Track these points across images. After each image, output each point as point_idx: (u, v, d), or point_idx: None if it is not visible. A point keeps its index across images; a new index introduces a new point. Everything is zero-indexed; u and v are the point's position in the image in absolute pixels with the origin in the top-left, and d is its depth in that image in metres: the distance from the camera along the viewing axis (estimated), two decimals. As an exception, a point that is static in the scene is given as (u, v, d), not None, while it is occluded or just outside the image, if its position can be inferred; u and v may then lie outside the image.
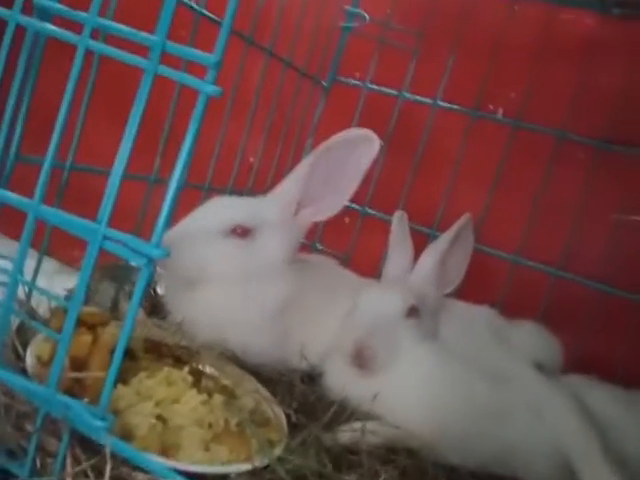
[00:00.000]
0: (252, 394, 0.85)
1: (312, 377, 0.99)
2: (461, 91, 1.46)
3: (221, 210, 1.05)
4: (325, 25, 1.48)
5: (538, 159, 1.40)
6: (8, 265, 0.69)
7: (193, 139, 0.59)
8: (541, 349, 1.14)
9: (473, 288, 1.14)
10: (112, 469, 0.62)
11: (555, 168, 1.38)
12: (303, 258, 1.17)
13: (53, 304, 0.88)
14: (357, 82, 1.57)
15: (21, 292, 0.86)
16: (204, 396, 0.76)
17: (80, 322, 0.83)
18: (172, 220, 1.04)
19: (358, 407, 0.91)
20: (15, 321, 0.82)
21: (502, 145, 1.41)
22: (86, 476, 0.65)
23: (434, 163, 1.49)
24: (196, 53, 0.59)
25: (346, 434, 0.84)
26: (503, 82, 1.45)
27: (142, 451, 0.64)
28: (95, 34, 0.65)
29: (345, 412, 0.88)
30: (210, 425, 0.74)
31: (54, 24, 0.66)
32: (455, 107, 1.46)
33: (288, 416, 0.84)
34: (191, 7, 1.01)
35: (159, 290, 1.14)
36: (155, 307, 1.09)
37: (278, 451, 0.74)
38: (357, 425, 0.84)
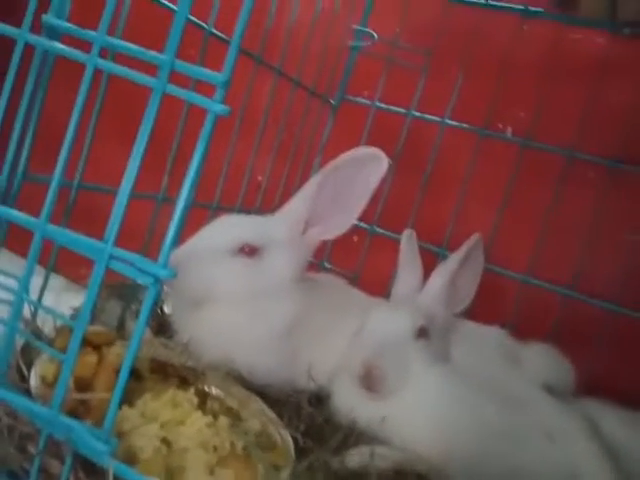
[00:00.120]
0: (258, 416, 0.83)
1: (320, 398, 0.98)
2: (470, 110, 1.46)
3: (228, 229, 1.05)
4: (334, 44, 1.48)
5: (548, 178, 1.39)
6: (14, 284, 0.68)
7: (201, 158, 0.58)
8: (552, 371, 1.12)
9: (483, 308, 1.13)
10: (115, 493, 0.61)
11: (565, 187, 1.37)
12: (311, 277, 1.16)
13: (59, 322, 0.87)
14: (365, 101, 1.56)
15: (27, 310, 0.86)
16: (209, 418, 0.75)
17: (85, 341, 0.83)
18: (179, 239, 1.03)
19: (366, 429, 0.89)
20: (20, 340, 0.81)
21: (511, 164, 1.40)
22: (89, 500, 0.64)
23: (443, 182, 1.48)
24: (205, 72, 0.59)
25: (354, 458, 0.82)
26: (512, 101, 1.44)
27: (146, 475, 0.63)
28: (104, 53, 0.65)
29: (353, 435, 0.87)
30: (215, 448, 0.72)
31: (63, 43, 0.66)
32: (464, 126, 1.46)
33: (295, 439, 0.82)
34: (200, 26, 1.01)
35: (166, 309, 1.13)
36: (162, 326, 1.08)
37: (284, 476, 0.72)
38: (366, 449, 0.83)
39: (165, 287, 1.02)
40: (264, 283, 1.02)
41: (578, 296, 1.31)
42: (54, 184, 0.64)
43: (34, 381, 0.74)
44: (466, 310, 1.12)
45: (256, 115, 1.29)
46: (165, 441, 0.71)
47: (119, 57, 0.68)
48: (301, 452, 0.81)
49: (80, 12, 0.77)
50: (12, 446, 0.69)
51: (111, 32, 0.65)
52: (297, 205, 1.08)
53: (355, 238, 1.52)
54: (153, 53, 0.60)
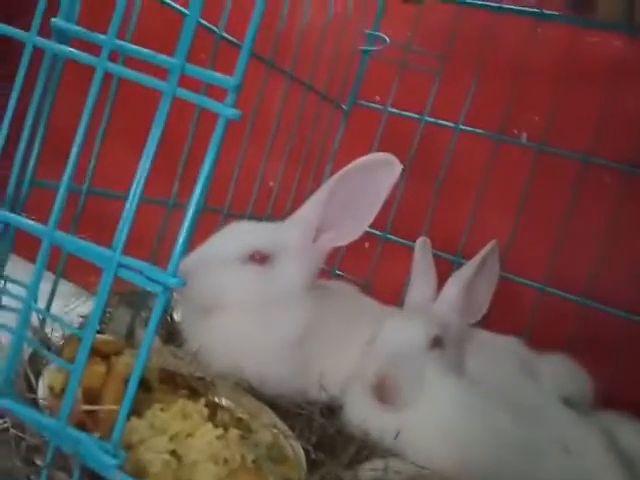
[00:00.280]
0: (269, 428, 0.82)
1: (332, 409, 0.96)
2: (484, 115, 1.43)
3: (239, 236, 1.03)
4: (346, 49, 1.46)
5: (563, 184, 1.37)
6: (22, 291, 0.67)
7: (212, 163, 0.57)
8: (569, 382, 1.10)
9: (498, 317, 1.11)
10: (124, 508, 0.59)
11: (581, 193, 1.34)
12: (323, 284, 1.14)
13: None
14: (378, 106, 1.55)
15: (35, 318, 0.85)
16: (220, 430, 0.73)
17: (94, 351, 0.82)
18: (190, 246, 1.02)
19: (380, 442, 0.87)
20: (28, 349, 0.80)
21: (527, 170, 1.38)
22: (96, 514, 0.62)
23: (457, 188, 1.46)
24: (216, 76, 0.57)
25: (368, 473, 0.80)
26: (527, 105, 1.42)
27: (155, 490, 0.62)
28: (114, 56, 0.64)
29: (366, 448, 0.85)
30: (226, 461, 0.71)
31: (72, 46, 0.65)
32: (478, 131, 1.44)
33: (307, 452, 0.80)
34: (211, 30, 1.00)
35: (176, 317, 1.11)
36: (171, 334, 1.07)
37: (296, 490, 0.71)
38: (379, 463, 0.81)
39: (175, 295, 1.00)
40: (275, 291, 1.01)
41: (595, 305, 1.28)
42: (62, 190, 0.63)
43: (42, 391, 0.73)
44: (481, 319, 1.10)
45: (268, 120, 1.28)
46: (174, 454, 0.69)
47: (129, 61, 0.67)
48: (313, 465, 0.79)
49: (89, 15, 0.76)
50: (19, 458, 0.67)
51: (121, 35, 0.64)
52: (308, 211, 1.07)
53: (367, 245, 1.50)
54: (163, 57, 0.59)
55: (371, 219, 1.05)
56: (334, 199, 1.04)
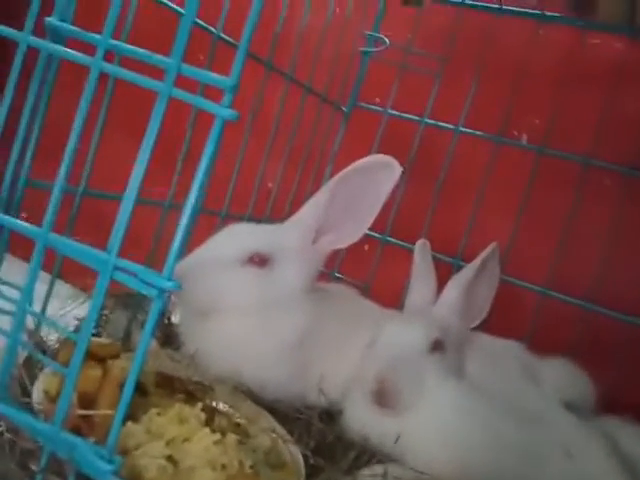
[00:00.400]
0: (268, 433, 0.81)
1: (331, 414, 0.95)
2: (484, 117, 1.43)
3: (237, 238, 1.02)
4: (345, 50, 1.46)
5: (564, 186, 1.36)
6: (17, 294, 0.66)
7: (209, 164, 0.56)
8: (570, 386, 1.09)
9: (499, 321, 1.09)
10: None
11: (581, 195, 1.33)
12: (322, 287, 1.13)
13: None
14: (378, 108, 1.54)
15: (31, 320, 0.84)
16: (217, 435, 0.72)
17: (90, 354, 0.80)
18: (187, 248, 1.01)
19: (379, 447, 0.86)
20: (23, 352, 0.79)
21: (527, 172, 1.37)
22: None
23: (457, 190, 1.45)
24: (212, 76, 0.56)
25: (367, 479, 0.79)
26: (527, 108, 1.41)
27: (150, 496, 0.61)
28: (110, 57, 0.63)
29: (365, 453, 0.84)
30: (223, 466, 0.70)
31: (69, 46, 0.64)
32: (478, 133, 1.43)
33: (305, 457, 0.79)
34: (208, 30, 0.99)
35: (174, 319, 1.10)
36: (169, 337, 1.06)
37: (295, 495, 0.70)
38: (379, 469, 0.80)
39: (173, 297, 0.99)
40: (274, 294, 1.00)
41: (597, 308, 1.27)
42: (56, 192, 0.62)
43: (36, 395, 0.72)
44: (482, 323, 1.08)
45: (267, 122, 1.27)
46: (171, 459, 0.68)
47: (126, 61, 0.66)
48: (312, 470, 0.78)
49: (85, 15, 0.75)
50: (13, 463, 0.66)
51: (117, 35, 0.63)
52: (308, 213, 1.06)
53: (367, 247, 1.49)
54: (159, 56, 0.58)
55: (371, 221, 1.04)
56: (334, 201, 1.03)
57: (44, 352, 0.84)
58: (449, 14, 1.45)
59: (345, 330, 1.06)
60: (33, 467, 0.66)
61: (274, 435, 0.81)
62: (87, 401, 0.71)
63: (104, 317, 0.98)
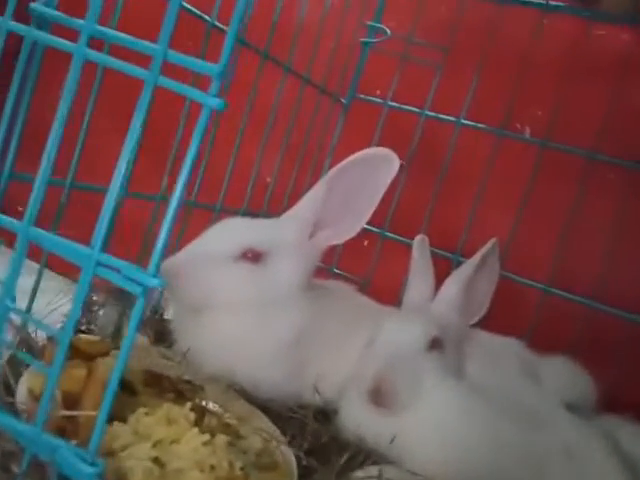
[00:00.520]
0: (260, 434, 0.78)
1: (326, 414, 0.93)
2: (486, 109, 1.40)
3: (231, 233, 0.99)
4: (345, 40, 1.43)
5: (567, 180, 1.34)
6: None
7: (194, 155, 0.53)
8: (572, 386, 1.07)
9: (499, 318, 1.07)
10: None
11: (585, 189, 1.31)
12: (319, 284, 1.11)
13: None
14: (378, 100, 1.51)
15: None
16: (206, 436, 0.70)
17: (78, 352, 0.78)
18: (181, 243, 0.99)
19: (375, 448, 0.84)
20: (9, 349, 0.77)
21: (529, 166, 1.35)
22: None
23: (458, 184, 1.43)
24: (199, 63, 0.54)
25: (360, 481, 0.77)
26: (531, 100, 1.39)
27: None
28: (100, 44, 0.61)
29: (360, 454, 0.81)
30: (212, 468, 0.68)
31: (54, 33, 0.62)
32: (480, 126, 1.41)
33: (298, 458, 0.77)
34: (202, 18, 0.96)
35: (167, 316, 1.08)
36: (161, 334, 1.03)
37: (286, 499, 0.67)
38: (373, 470, 0.77)
39: (165, 293, 0.97)
40: (269, 290, 0.97)
41: (599, 306, 1.25)
42: (38, 184, 0.59)
43: (21, 395, 0.70)
44: (481, 320, 1.06)
45: (264, 114, 1.24)
46: (157, 461, 0.66)
47: (116, 50, 0.64)
48: (304, 472, 0.76)
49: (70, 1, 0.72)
50: (-6, 464, 0.64)
51: (106, 23, 0.61)
52: (305, 207, 1.03)
53: (366, 242, 1.47)
54: (145, 43, 0.56)
55: (368, 215, 1.02)
56: (331, 194, 1.01)
57: (30, 349, 0.82)
58: (451, 3, 1.43)
59: (343, 328, 1.04)
60: (15, 469, 0.63)
61: (266, 436, 0.79)
62: (72, 401, 0.68)
63: (92, 314, 0.96)
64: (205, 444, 0.69)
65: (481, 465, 0.85)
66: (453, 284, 1.02)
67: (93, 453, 0.56)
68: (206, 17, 0.97)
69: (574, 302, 1.28)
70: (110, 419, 0.69)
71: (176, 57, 0.55)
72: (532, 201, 1.35)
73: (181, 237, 1.04)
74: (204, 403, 0.82)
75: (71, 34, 0.60)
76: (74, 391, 0.69)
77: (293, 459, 0.77)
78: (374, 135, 1.49)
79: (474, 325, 1.06)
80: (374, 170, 0.99)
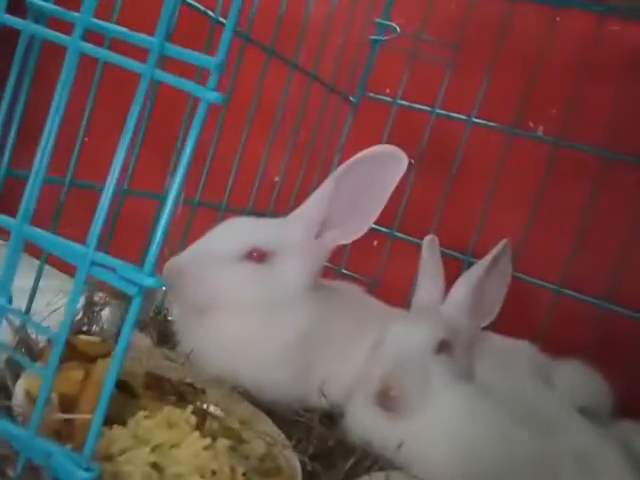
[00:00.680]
0: (263, 438, 0.76)
1: (332, 417, 0.91)
2: (498, 107, 1.38)
3: (236, 232, 0.98)
4: (354, 38, 1.41)
5: (581, 180, 1.31)
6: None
7: (192, 150, 0.51)
8: (586, 390, 1.04)
9: (511, 320, 1.05)
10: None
11: (599, 189, 1.28)
12: (326, 285, 1.09)
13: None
14: (387, 98, 1.49)
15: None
16: (207, 440, 0.68)
17: (78, 353, 0.77)
18: (186, 243, 0.97)
19: (382, 452, 0.82)
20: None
21: (542, 165, 1.32)
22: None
23: (469, 184, 1.41)
24: (197, 56, 0.52)
25: (367, 487, 0.75)
26: (544, 98, 1.36)
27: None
28: (101, 40, 0.60)
29: (367, 459, 0.79)
30: (213, 473, 0.66)
31: (53, 29, 0.60)
32: (492, 124, 1.38)
33: (303, 463, 0.75)
34: (206, 14, 0.95)
35: (170, 316, 1.06)
36: (165, 335, 1.02)
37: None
38: (379, 476, 0.75)
39: (168, 294, 0.96)
40: (274, 291, 0.95)
41: (613, 307, 1.22)
42: (32, 180, 0.58)
43: (17, 397, 0.68)
44: (492, 322, 1.04)
45: (272, 112, 1.23)
46: (156, 466, 0.64)
47: (117, 46, 0.62)
48: (309, 477, 0.74)
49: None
50: (-12, 468, 0.63)
51: (106, 17, 0.59)
52: (311, 207, 1.02)
53: (375, 243, 1.45)
54: (142, 36, 0.55)
55: (376, 215, 1.00)
56: (338, 193, 0.99)
57: (30, 350, 0.80)
58: (461, 0, 1.40)
59: (350, 330, 1.02)
60: (10, 473, 0.62)
61: (269, 440, 0.77)
62: (69, 404, 0.67)
63: (95, 314, 0.94)
64: (206, 448, 0.67)
65: (490, 470, 0.83)
66: (463, 285, 1.01)
67: (88, 458, 0.55)
68: (210, 13, 0.96)
69: (587, 303, 1.25)
70: (109, 422, 0.68)
71: (173, 50, 0.54)
72: (545, 200, 1.33)
73: (186, 236, 1.03)
74: (206, 406, 0.81)
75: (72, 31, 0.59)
76: (71, 393, 0.68)
77: (297, 464, 0.75)
78: (383, 134, 1.47)
79: (485, 327, 1.04)
80: (382, 168, 0.97)
